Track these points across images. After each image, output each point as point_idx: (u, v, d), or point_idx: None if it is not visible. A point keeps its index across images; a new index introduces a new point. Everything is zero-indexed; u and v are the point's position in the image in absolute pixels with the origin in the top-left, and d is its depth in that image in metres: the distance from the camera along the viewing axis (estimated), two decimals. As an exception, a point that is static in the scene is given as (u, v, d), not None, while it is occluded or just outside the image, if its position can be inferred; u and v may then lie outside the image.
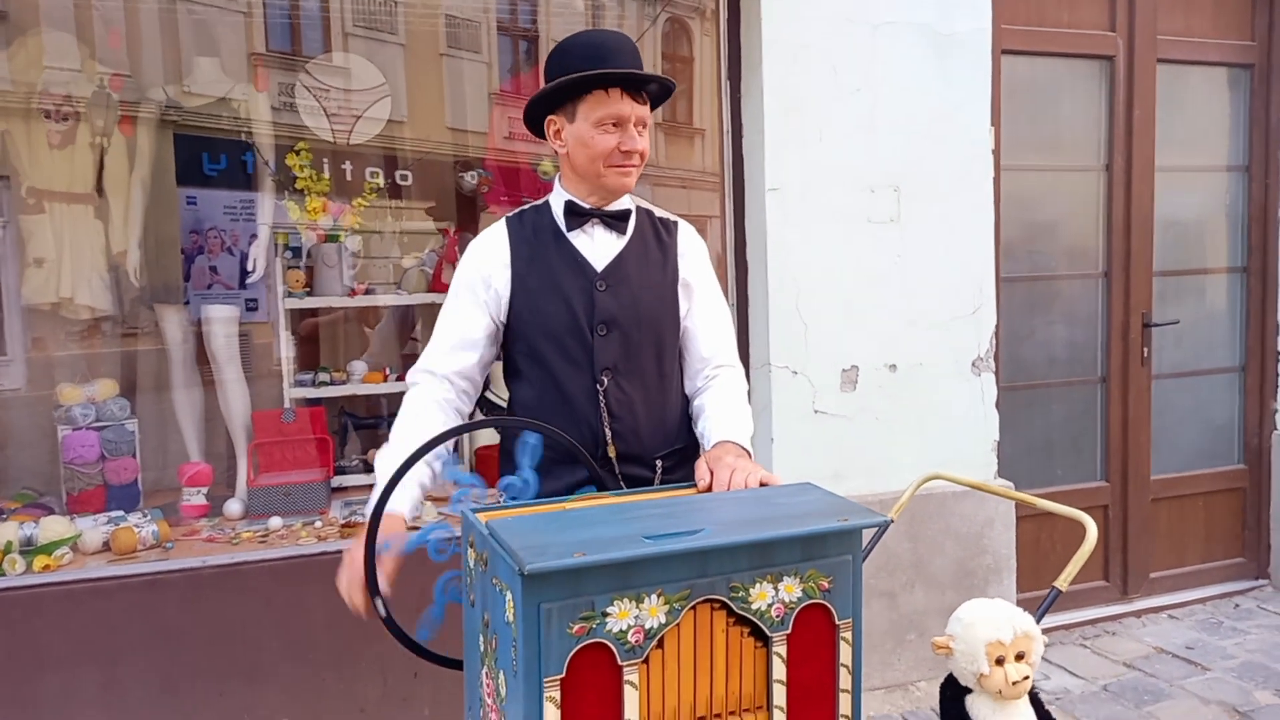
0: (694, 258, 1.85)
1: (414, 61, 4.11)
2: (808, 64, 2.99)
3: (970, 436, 3.27)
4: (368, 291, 3.64)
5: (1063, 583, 1.43)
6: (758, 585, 1.25)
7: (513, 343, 1.79)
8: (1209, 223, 3.94)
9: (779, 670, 1.28)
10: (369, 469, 3.69)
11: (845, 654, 1.31)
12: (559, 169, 1.83)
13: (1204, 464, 3.95)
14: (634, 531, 1.20)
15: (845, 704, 1.32)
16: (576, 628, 1.16)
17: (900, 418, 3.17)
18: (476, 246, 1.82)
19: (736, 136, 3.08)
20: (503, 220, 1.83)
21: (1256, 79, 3.86)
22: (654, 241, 1.82)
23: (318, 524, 3.13)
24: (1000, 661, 1.24)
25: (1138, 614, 3.82)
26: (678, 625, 1.21)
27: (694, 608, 1.22)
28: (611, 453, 1.71)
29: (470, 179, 3.80)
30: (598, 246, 1.77)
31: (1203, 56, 3.75)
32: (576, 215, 1.76)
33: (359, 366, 3.63)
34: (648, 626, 1.19)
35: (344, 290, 3.51)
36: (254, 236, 3.61)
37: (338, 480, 3.47)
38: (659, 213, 1.87)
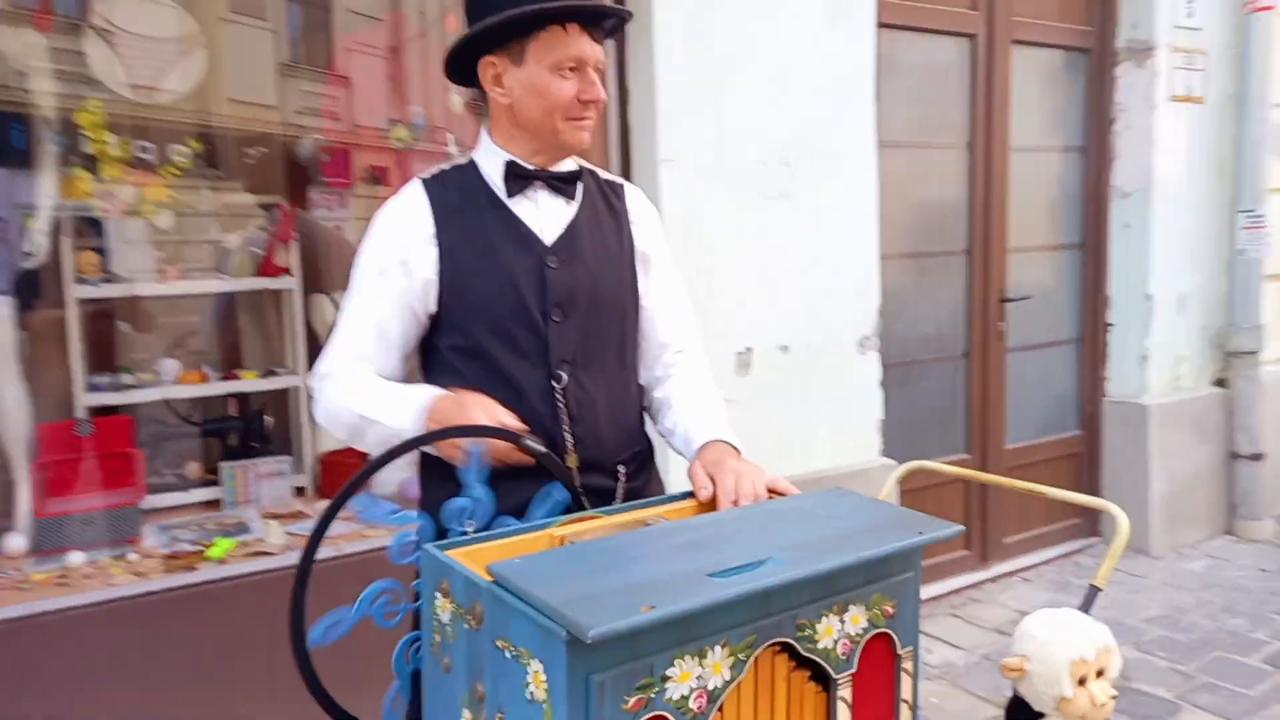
0: (649, 226, 1.60)
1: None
2: (699, 30, 2.78)
3: (857, 415, 3.22)
4: (182, 276, 3.10)
5: (1101, 580, 1.32)
6: (824, 619, 1.03)
7: (442, 335, 1.47)
8: (1053, 201, 4.12)
9: (844, 716, 1.07)
10: (189, 485, 3.17)
11: (906, 688, 1.12)
12: (487, 122, 1.51)
13: (1048, 432, 4.15)
14: (689, 568, 0.95)
15: (907, 745, 1.13)
16: (634, 701, 0.90)
17: (792, 400, 3.06)
18: (387, 219, 1.47)
19: (623, 103, 2.83)
20: (416, 183, 1.49)
21: (1092, 63, 4.06)
22: (605, 208, 1.55)
23: (131, 557, 2.61)
24: (1083, 681, 1.10)
25: (995, 579, 3.95)
26: (740, 680, 0.97)
27: (757, 656, 0.98)
28: (572, 462, 1.42)
29: (307, 146, 3.32)
30: (544, 215, 1.48)
31: (1050, 39, 3.89)
32: (518, 178, 1.46)
33: (171, 365, 3.09)
34: (711, 687, 0.95)
35: (150, 275, 2.97)
36: (30, 215, 2.96)
37: (151, 501, 2.93)
38: (603, 173, 1.60)
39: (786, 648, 1.01)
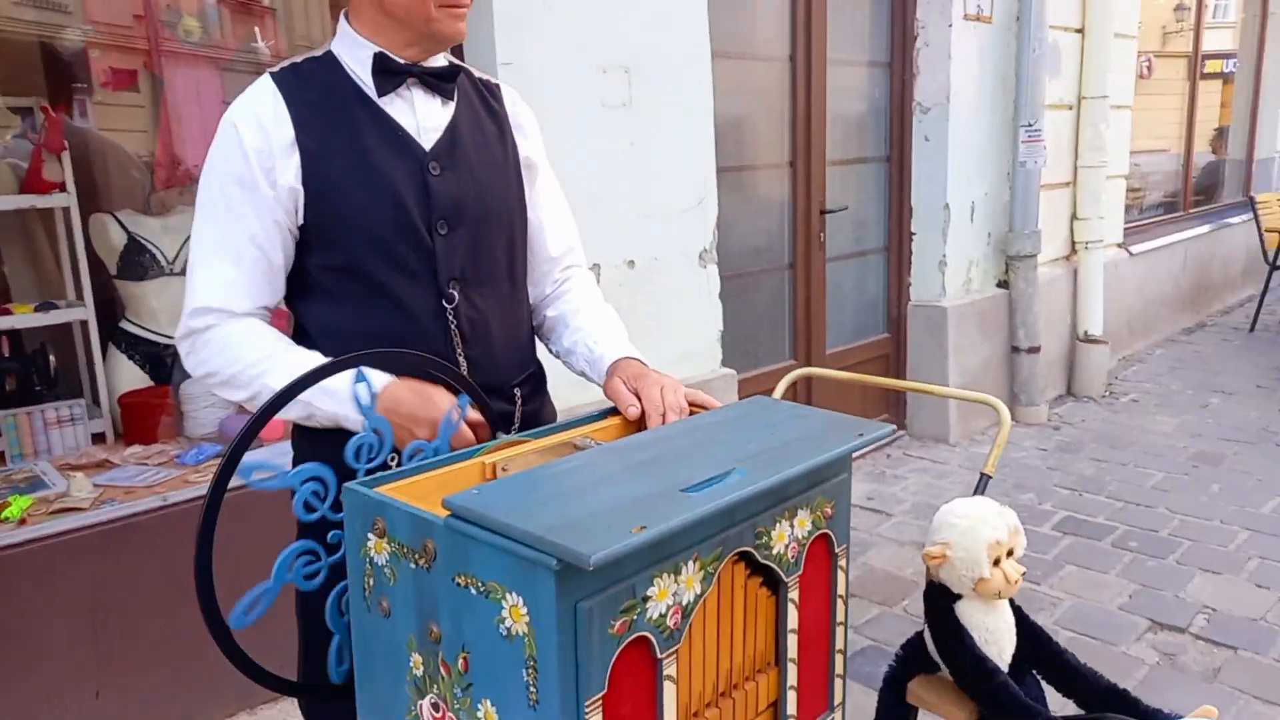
0: (531, 130, 1.50)
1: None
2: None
3: (700, 329, 3.28)
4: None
5: (990, 468, 1.41)
6: (778, 526, 1.04)
7: (311, 254, 1.31)
8: (864, 115, 4.29)
9: (792, 618, 1.09)
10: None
11: (841, 584, 1.16)
12: (346, 9, 1.34)
13: (861, 336, 4.41)
14: (661, 486, 0.92)
15: (840, 638, 1.17)
16: (619, 624, 0.87)
17: (639, 316, 3.05)
18: (235, 120, 1.27)
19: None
20: (267, 78, 1.30)
21: (898, -21, 4.22)
22: (484, 110, 1.43)
23: None
24: (996, 562, 1.18)
25: (817, 477, 4.21)
26: (708, 593, 0.96)
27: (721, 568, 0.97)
28: None
29: (71, 39, 2.87)
30: (420, 116, 1.34)
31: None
32: (390, 74, 1.31)
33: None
34: (684, 602, 0.93)
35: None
36: None
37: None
38: (477, 72, 1.48)
39: (744, 556, 1.01)
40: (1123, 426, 4.74)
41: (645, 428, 1.26)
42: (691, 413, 1.27)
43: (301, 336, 1.36)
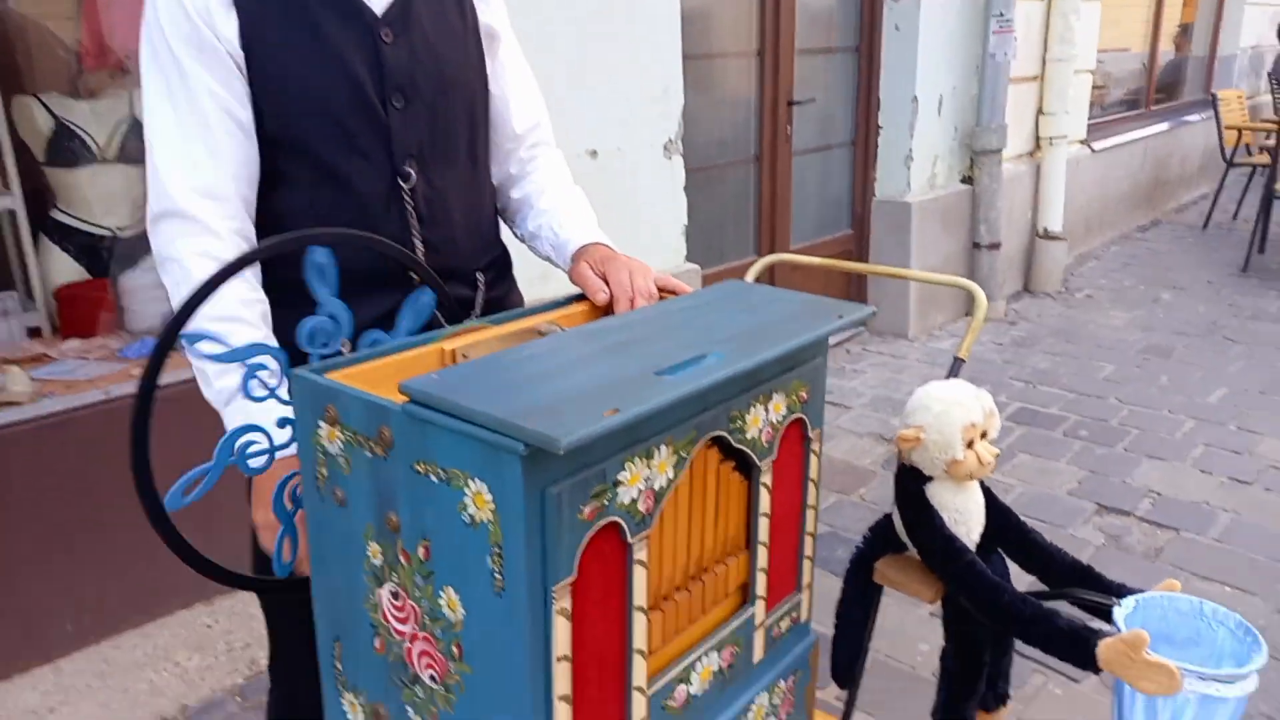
0: None
1: None
2: None
3: (664, 223, 3.20)
4: None
5: (964, 352, 1.39)
6: (753, 410, 1.00)
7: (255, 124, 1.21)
8: (834, 2, 4.14)
9: (764, 503, 1.07)
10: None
11: (814, 468, 1.14)
12: None
13: (825, 232, 4.37)
14: (633, 370, 0.87)
15: (810, 521, 1.16)
16: (589, 510, 0.83)
17: (601, 209, 2.95)
18: None
19: None
20: None
21: None
22: None
23: None
24: (970, 445, 1.16)
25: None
26: (680, 478, 0.93)
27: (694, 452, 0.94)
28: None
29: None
30: None
31: None
32: None
33: None
34: (657, 487, 0.90)
35: None
36: None
37: None
38: None
39: (717, 441, 0.98)
40: (1077, 321, 4.80)
41: (613, 314, 1.21)
42: (662, 298, 1.22)
43: (259, 227, 1.27)
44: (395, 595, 0.92)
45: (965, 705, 1.25)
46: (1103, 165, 6.08)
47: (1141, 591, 1.15)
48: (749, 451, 1.01)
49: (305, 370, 0.96)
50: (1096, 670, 1.06)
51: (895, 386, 3.97)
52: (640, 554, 0.90)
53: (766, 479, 1.06)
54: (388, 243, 1.15)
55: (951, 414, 1.15)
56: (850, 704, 1.32)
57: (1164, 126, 7.01)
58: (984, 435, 1.18)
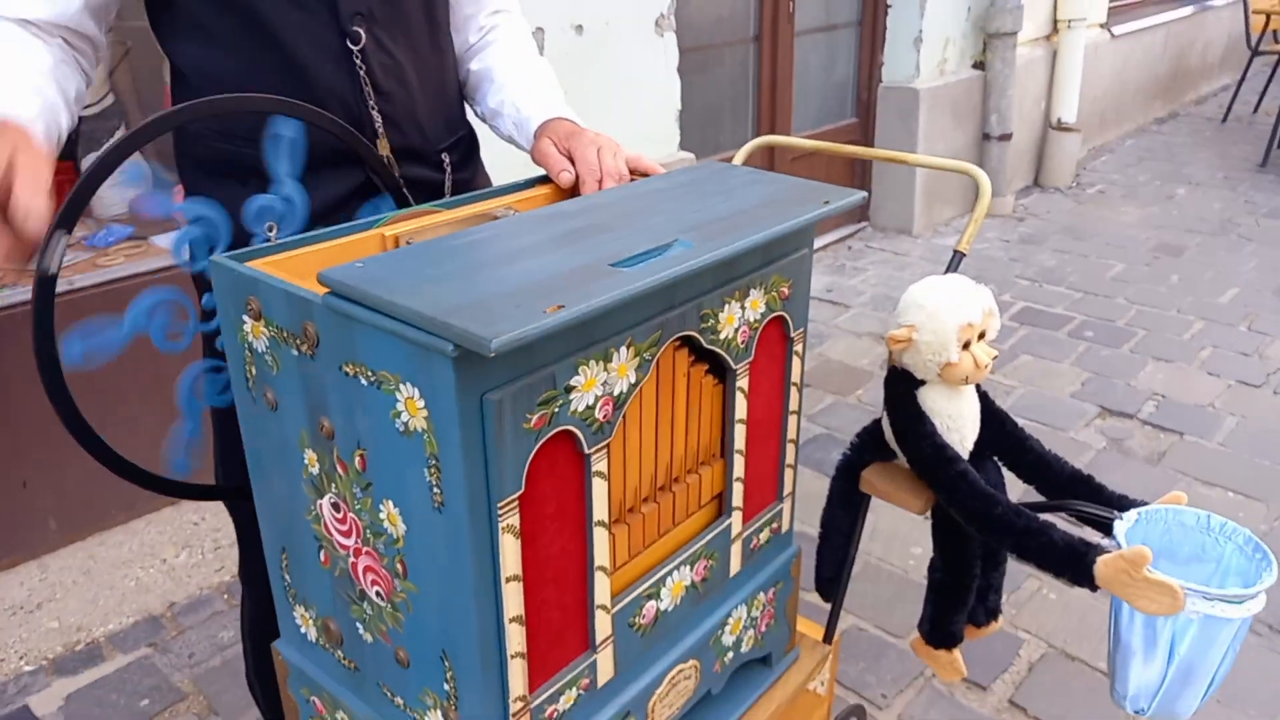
0: None
1: None
2: None
3: (656, 107, 3.02)
4: None
5: (965, 245, 1.27)
6: (727, 307, 0.91)
7: None
8: None
9: (740, 408, 0.98)
10: None
11: (796, 371, 1.05)
12: None
13: (827, 120, 4.17)
14: (586, 259, 0.77)
15: (793, 427, 1.08)
16: (536, 418, 0.74)
17: (587, 90, 2.79)
18: None
19: None
20: None
21: None
22: None
23: None
24: (966, 345, 1.07)
25: (776, 268, 4.10)
26: (644, 382, 0.83)
27: (660, 355, 0.84)
28: (384, 148, 1.15)
29: None
30: None
31: None
32: None
33: None
34: (617, 393, 0.81)
35: None
36: None
37: None
38: None
39: (687, 341, 0.89)
40: (1087, 218, 4.64)
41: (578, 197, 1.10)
42: (634, 179, 1.11)
43: (178, 82, 1.14)
44: (336, 507, 0.85)
45: (953, 620, 1.19)
46: (1122, 52, 5.79)
47: (1144, 504, 1.08)
48: (722, 353, 0.92)
49: (225, 258, 0.85)
50: (1094, 588, 0.99)
51: (897, 285, 3.85)
52: (599, 465, 0.81)
53: (743, 383, 0.96)
54: (327, 115, 1.03)
55: (945, 312, 1.05)
56: (834, 616, 1.27)
57: (1188, 10, 6.65)
58: (981, 336, 1.08)
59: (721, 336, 0.91)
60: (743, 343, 0.94)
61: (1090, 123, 5.53)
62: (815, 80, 4.03)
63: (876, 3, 4.11)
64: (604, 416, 0.80)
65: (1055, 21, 4.96)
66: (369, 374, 0.74)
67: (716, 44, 3.48)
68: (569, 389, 0.76)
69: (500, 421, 0.71)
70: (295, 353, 0.80)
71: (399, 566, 0.81)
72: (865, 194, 0.98)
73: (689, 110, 3.21)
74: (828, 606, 1.30)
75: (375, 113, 1.13)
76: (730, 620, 1.06)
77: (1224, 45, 7.30)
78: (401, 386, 0.71)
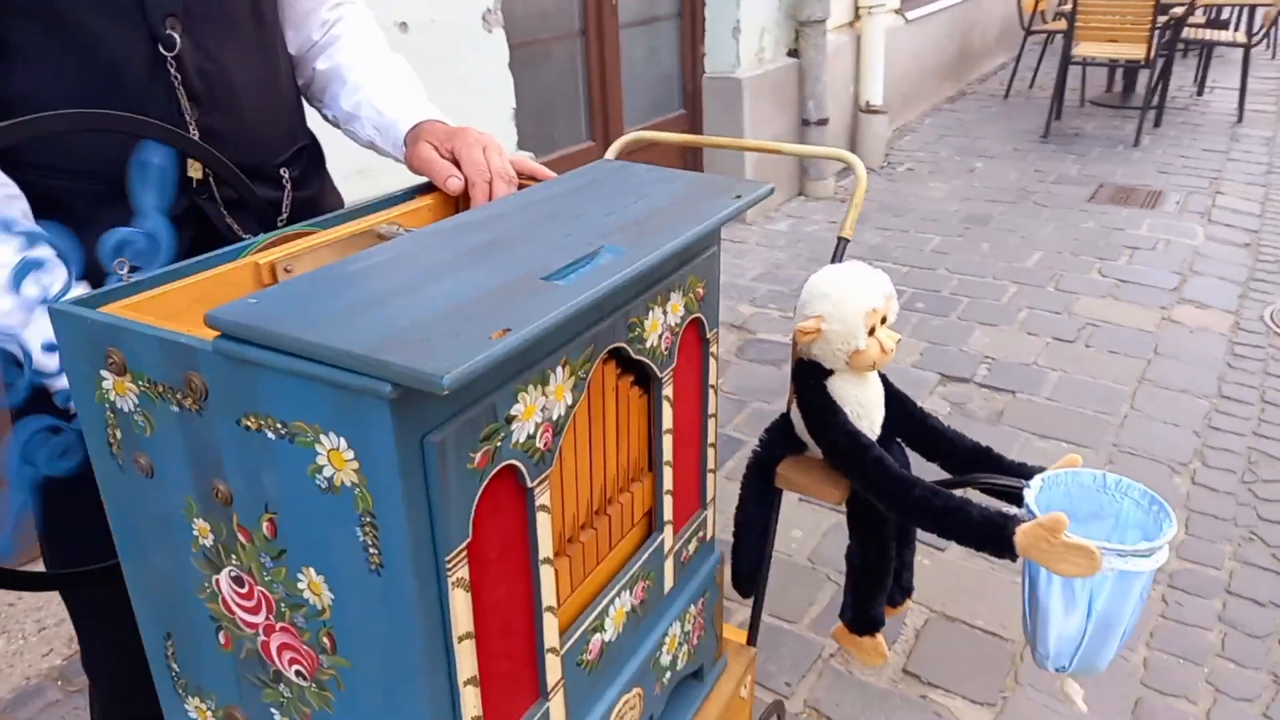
0: None
1: None
2: None
3: (490, 106, 2.92)
4: None
5: (848, 231, 1.28)
6: (651, 314, 0.86)
7: None
8: None
9: (667, 418, 0.93)
10: None
11: (713, 372, 1.01)
12: None
13: (658, 113, 4.19)
14: (513, 274, 0.69)
15: (711, 431, 1.04)
16: (479, 456, 0.66)
17: (419, 91, 2.65)
18: None
19: None
20: None
21: None
22: None
23: None
24: (871, 331, 1.07)
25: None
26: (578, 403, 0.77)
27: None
28: (195, 170, 1.00)
29: None
30: None
31: None
32: None
33: None
34: (555, 417, 0.74)
35: None
36: None
37: None
38: None
39: (614, 354, 0.83)
40: (901, 195, 4.90)
41: (466, 207, 1.02)
42: (521, 186, 1.04)
43: None
44: (239, 581, 0.73)
45: (875, 604, 1.20)
46: (916, 36, 6.16)
47: (1042, 469, 1.12)
48: (649, 362, 0.87)
49: (72, 303, 0.72)
50: (1014, 557, 1.01)
51: (738, 272, 3.93)
52: (542, 498, 0.74)
53: (668, 390, 0.92)
54: (170, 128, 0.90)
55: (851, 300, 1.04)
56: (756, 617, 1.25)
57: (966, -3, 7.18)
58: (883, 321, 1.08)
59: (648, 345, 0.86)
60: (666, 349, 0.89)
61: (894, 104, 5.85)
62: (643, 73, 4.03)
63: (694, -6, 4.16)
64: (544, 445, 0.73)
65: (857, 8, 5.20)
66: (277, 426, 0.64)
67: (544, 39, 3.41)
68: (509, 419, 0.68)
69: (444, 465, 0.63)
70: (175, 409, 0.69)
71: (325, 641, 0.71)
72: (772, 186, 0.95)
73: (523, 108, 3.13)
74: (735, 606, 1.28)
75: (194, 126, 0.99)
76: (667, 639, 1.02)
77: (999, 26, 7.92)
78: (322, 438, 0.62)
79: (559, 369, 0.73)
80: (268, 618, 0.73)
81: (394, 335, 0.59)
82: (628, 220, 0.82)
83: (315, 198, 1.19)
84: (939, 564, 2.13)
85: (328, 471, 0.63)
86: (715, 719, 1.13)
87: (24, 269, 0.76)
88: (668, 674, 1.04)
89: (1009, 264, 3.90)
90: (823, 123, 4.72)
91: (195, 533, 0.74)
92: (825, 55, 4.63)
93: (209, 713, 0.84)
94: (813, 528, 2.27)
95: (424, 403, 0.60)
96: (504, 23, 2.91)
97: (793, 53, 4.66)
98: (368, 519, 0.63)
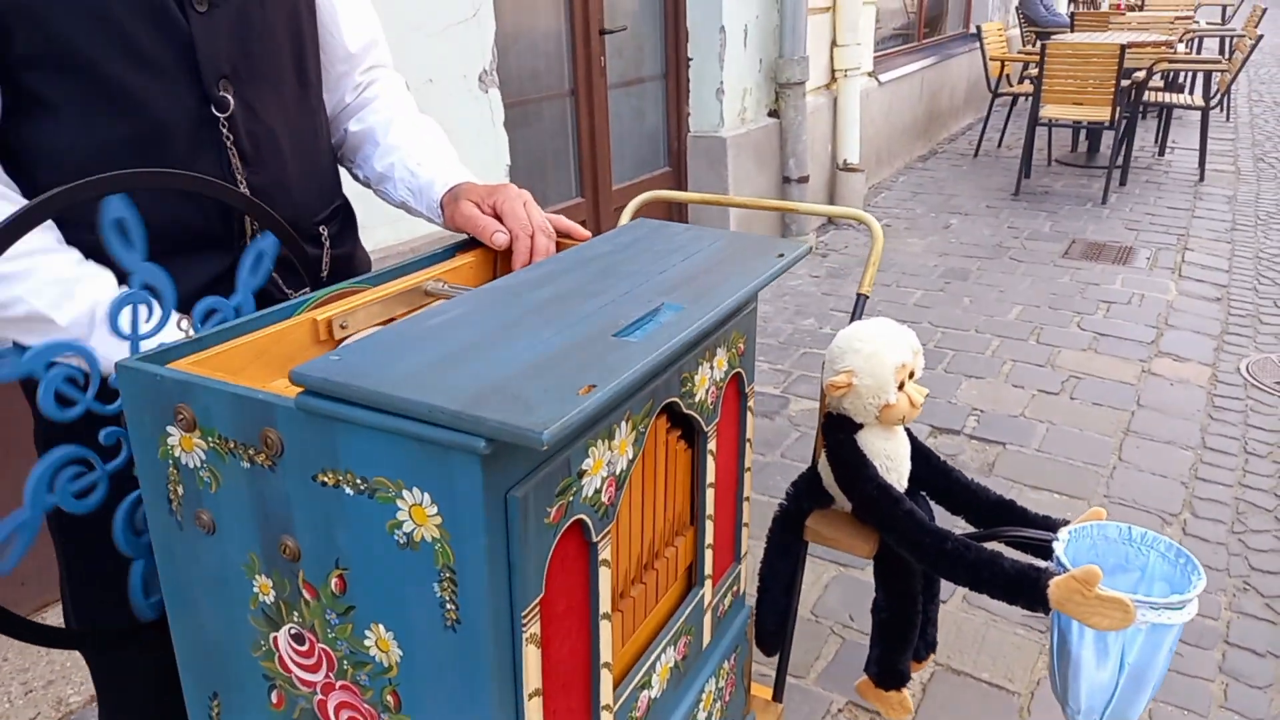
0: None
1: None
2: None
3: (485, 163, 2.96)
4: None
5: (866, 288, 1.31)
6: (701, 369, 0.87)
7: (5, 41, 0.91)
8: (638, -74, 3.97)
9: (710, 471, 0.94)
10: None
11: (750, 426, 1.03)
12: None
13: (643, 170, 4.26)
14: (586, 331, 0.71)
15: (747, 485, 1.05)
16: (555, 510, 0.67)
17: (417, 148, 2.69)
18: None
19: None
20: None
21: None
22: None
23: None
24: (901, 386, 1.09)
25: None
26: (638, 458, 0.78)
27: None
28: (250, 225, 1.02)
29: None
30: None
31: None
32: None
33: None
34: (618, 472, 0.75)
35: None
36: None
37: None
38: None
39: (665, 408, 0.84)
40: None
41: (508, 266, 1.03)
42: (560, 246, 1.06)
43: (12, 167, 0.96)
44: (298, 639, 0.73)
45: (901, 659, 1.20)
46: (888, 97, 6.34)
47: (1066, 522, 1.13)
48: (696, 416, 0.88)
49: (139, 360, 0.72)
50: (1046, 610, 1.02)
51: (723, 323, 3.96)
52: (605, 552, 0.75)
53: (712, 445, 0.93)
54: (236, 190, 0.91)
55: (882, 355, 1.07)
56: (782, 672, 1.25)
57: (934, 59, 7.41)
58: (911, 375, 1.11)
59: (696, 399, 0.87)
60: (711, 403, 0.91)
61: (869, 162, 5.99)
62: (630, 131, 4.11)
63: (679, 55, 4.26)
64: (608, 499, 0.74)
65: (833, 71, 5.36)
66: (356, 482, 0.64)
67: (535, 98, 3.47)
68: (581, 474, 0.69)
69: (525, 519, 0.63)
70: (246, 465, 0.69)
71: (389, 699, 0.70)
72: (810, 244, 0.98)
73: (516, 164, 3.17)
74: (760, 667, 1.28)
75: (243, 186, 1.00)
76: (704, 695, 1.01)
77: (966, 88, 8.18)
78: (405, 493, 0.62)
79: (623, 424, 0.74)
80: (327, 675, 0.73)
81: (484, 391, 0.59)
82: (680, 278, 0.84)
83: (351, 255, 1.20)
84: (940, 616, 2.13)
85: (408, 527, 0.63)
86: (747, 776, 1.12)
87: (123, 301, 0.76)
88: (704, 731, 1.03)
89: (990, 318, 3.98)
90: (803, 180, 4.82)
91: (256, 589, 0.73)
92: (805, 115, 4.75)
93: (253, 776, 0.82)
94: (814, 580, 2.27)
95: (510, 458, 0.61)
96: (499, 83, 2.96)
97: (773, 113, 4.77)
98: (447, 574, 0.63)
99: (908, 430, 1.19)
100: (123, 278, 0.83)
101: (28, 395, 0.95)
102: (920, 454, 1.20)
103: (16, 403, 0.95)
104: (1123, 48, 5.55)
